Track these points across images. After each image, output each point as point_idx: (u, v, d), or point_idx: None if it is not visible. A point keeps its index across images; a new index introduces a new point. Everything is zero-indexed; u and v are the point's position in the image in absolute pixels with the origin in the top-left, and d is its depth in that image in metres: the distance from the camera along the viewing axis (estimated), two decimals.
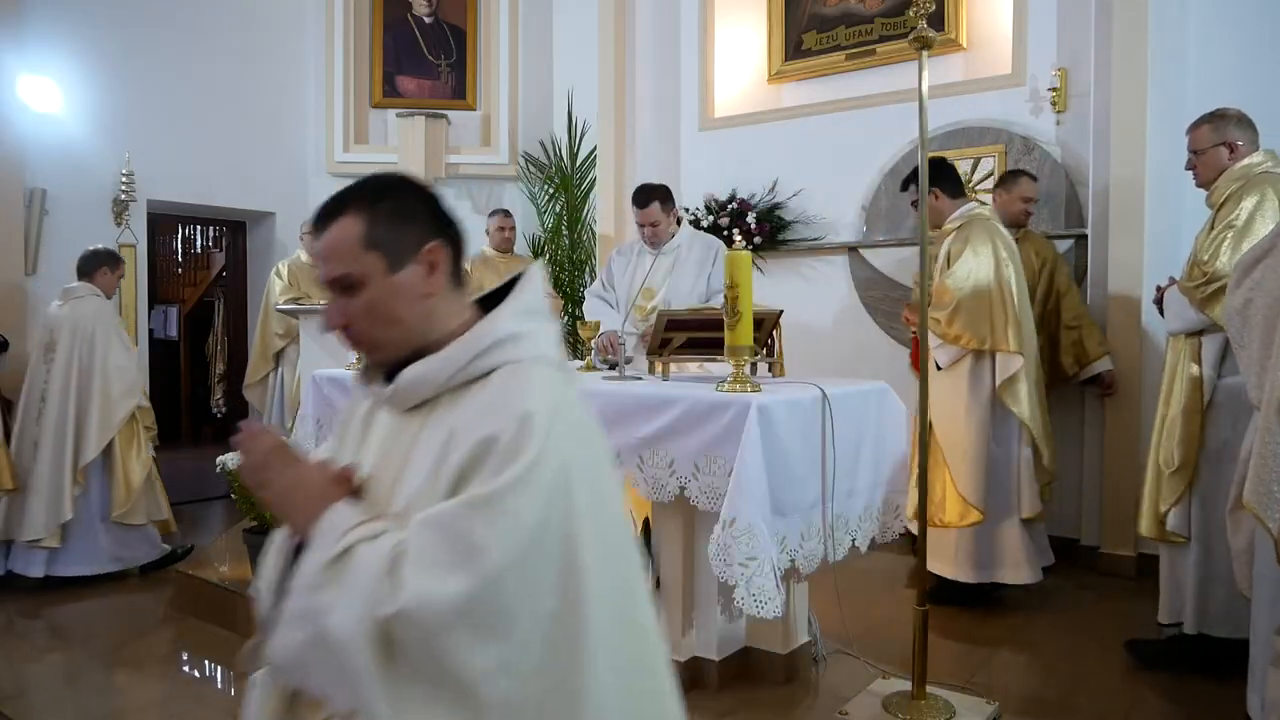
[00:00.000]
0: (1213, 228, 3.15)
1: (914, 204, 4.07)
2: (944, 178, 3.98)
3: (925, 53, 2.70)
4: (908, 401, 3.19)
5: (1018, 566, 3.79)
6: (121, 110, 6.24)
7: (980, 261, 3.74)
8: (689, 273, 4.28)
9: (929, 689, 2.76)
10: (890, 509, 3.17)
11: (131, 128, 6.27)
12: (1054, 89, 4.75)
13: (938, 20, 4.97)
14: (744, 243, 2.84)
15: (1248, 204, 3.05)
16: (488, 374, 1.27)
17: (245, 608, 3.96)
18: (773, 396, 2.70)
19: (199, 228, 7.33)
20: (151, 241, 6.72)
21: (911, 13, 2.75)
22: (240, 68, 6.97)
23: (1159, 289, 3.33)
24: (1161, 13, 4.34)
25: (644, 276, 4.34)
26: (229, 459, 4.19)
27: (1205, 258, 3.08)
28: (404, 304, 1.30)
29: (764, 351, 3.29)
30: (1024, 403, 3.72)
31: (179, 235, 7.24)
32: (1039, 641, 3.56)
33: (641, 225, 4.30)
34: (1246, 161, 3.15)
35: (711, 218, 5.88)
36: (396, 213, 1.31)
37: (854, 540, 3.02)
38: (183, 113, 6.59)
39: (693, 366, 3.93)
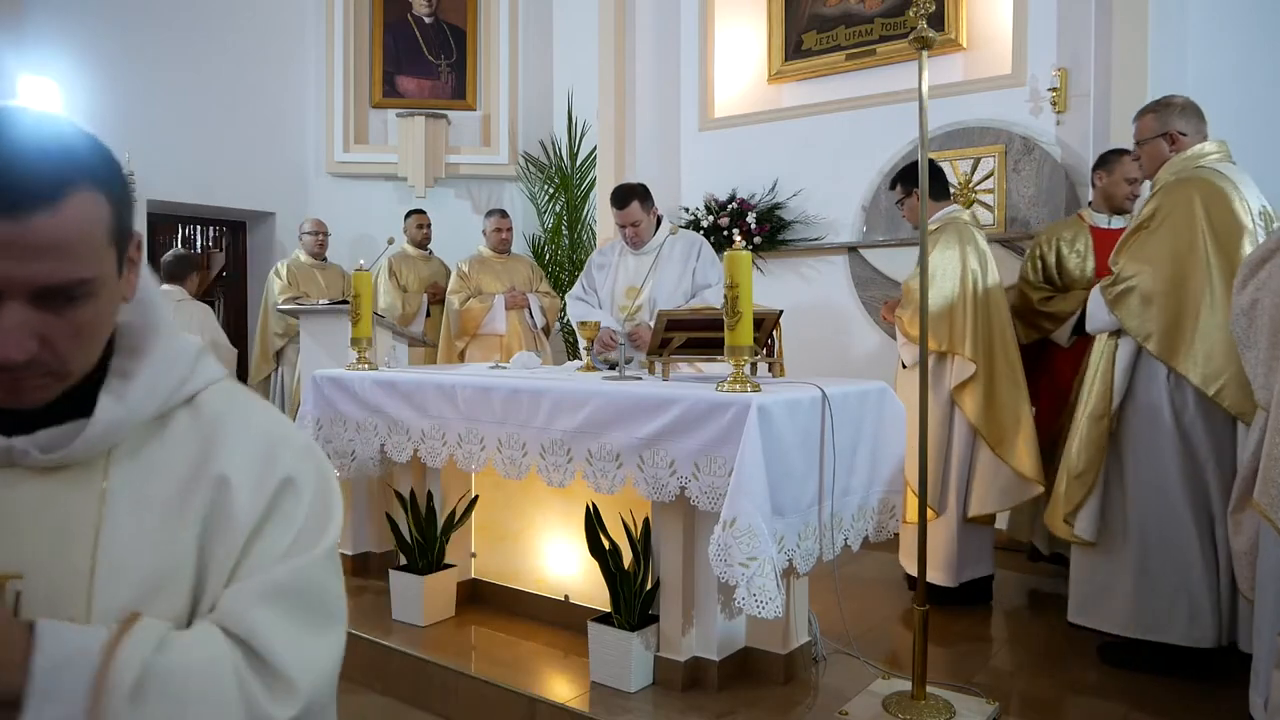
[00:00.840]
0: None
1: (899, 204, 4.13)
2: (929, 178, 3.90)
3: (925, 53, 2.70)
4: (911, 402, 3.19)
5: (936, 568, 3.78)
6: (121, 110, 6.24)
7: (946, 265, 3.71)
8: (673, 271, 4.27)
9: (929, 689, 2.76)
10: (887, 509, 3.17)
11: (131, 128, 6.26)
12: (1054, 89, 4.75)
13: (938, 20, 4.97)
14: (744, 243, 2.83)
15: (1157, 201, 3.03)
16: (189, 400, 1.02)
17: None
18: (773, 396, 2.70)
19: (199, 227, 7.32)
20: (152, 241, 6.71)
21: (911, 13, 2.75)
22: (240, 67, 6.97)
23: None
24: (1161, 13, 4.34)
25: (627, 277, 4.34)
26: None
27: (1114, 257, 3.08)
28: (112, 318, 0.96)
29: (764, 352, 3.29)
30: (975, 406, 3.68)
31: (179, 235, 7.22)
32: (1039, 642, 3.56)
33: (622, 226, 4.30)
34: (1187, 154, 3.06)
35: (711, 218, 5.88)
36: (127, 190, 0.95)
37: (846, 539, 3.02)
38: (183, 113, 6.59)
39: (682, 367, 3.93)
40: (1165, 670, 3.10)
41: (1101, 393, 3.12)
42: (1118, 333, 3.12)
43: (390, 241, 5.00)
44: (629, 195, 4.24)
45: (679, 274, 4.26)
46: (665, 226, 4.39)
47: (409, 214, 6.64)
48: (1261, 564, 2.50)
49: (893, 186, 4.23)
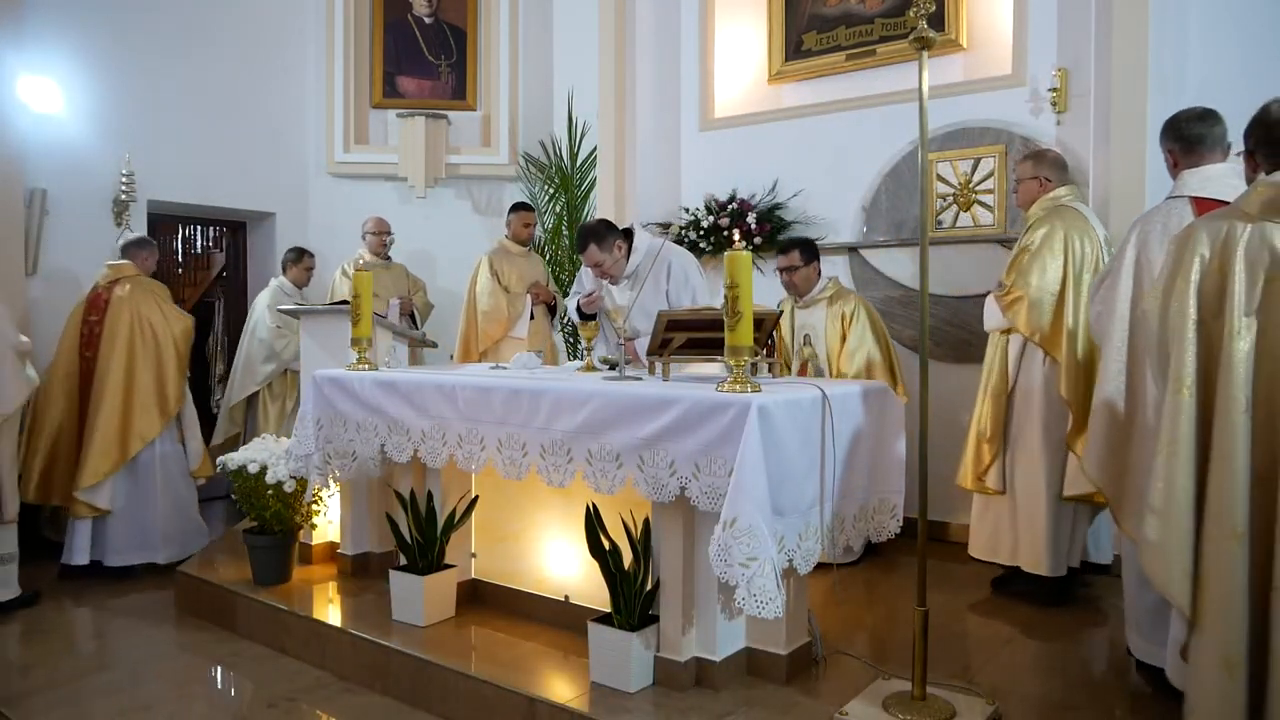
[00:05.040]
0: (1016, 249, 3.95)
1: (792, 269, 4.71)
2: (814, 253, 4.78)
3: (925, 53, 2.70)
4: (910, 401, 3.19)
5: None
6: (121, 110, 6.24)
7: (877, 328, 4.67)
8: (648, 298, 4.23)
9: (929, 689, 2.76)
10: (887, 509, 3.17)
11: (131, 128, 6.26)
12: (1054, 89, 4.75)
13: (938, 20, 4.97)
14: (744, 243, 2.84)
15: (1039, 234, 3.87)
16: None
17: (245, 608, 3.96)
18: (773, 396, 2.70)
19: (199, 228, 7.31)
20: None
21: (911, 13, 2.75)
22: (241, 68, 6.96)
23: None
24: (1162, 13, 4.34)
25: (611, 300, 4.35)
26: (229, 459, 4.20)
27: (1006, 274, 3.92)
28: None
29: (764, 352, 3.29)
30: None
31: (179, 235, 7.21)
32: (1040, 641, 3.56)
33: (590, 265, 4.27)
34: (1052, 194, 4.00)
35: (711, 218, 5.87)
36: None
37: (850, 541, 3.01)
38: (183, 113, 6.58)
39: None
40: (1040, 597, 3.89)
41: (1000, 375, 3.99)
42: (1009, 331, 3.96)
43: (390, 242, 5.00)
44: (584, 239, 4.17)
45: (653, 301, 4.21)
46: (641, 246, 4.30)
47: (514, 208, 6.40)
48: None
49: (786, 251, 4.74)
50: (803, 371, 4.76)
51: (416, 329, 6.38)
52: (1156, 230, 2.98)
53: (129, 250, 5.27)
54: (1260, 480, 2.12)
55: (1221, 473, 2.13)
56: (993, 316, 4.04)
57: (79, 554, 4.79)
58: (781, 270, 4.79)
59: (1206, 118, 3.07)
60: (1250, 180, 2.49)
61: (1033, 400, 3.91)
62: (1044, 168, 4.07)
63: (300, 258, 6.53)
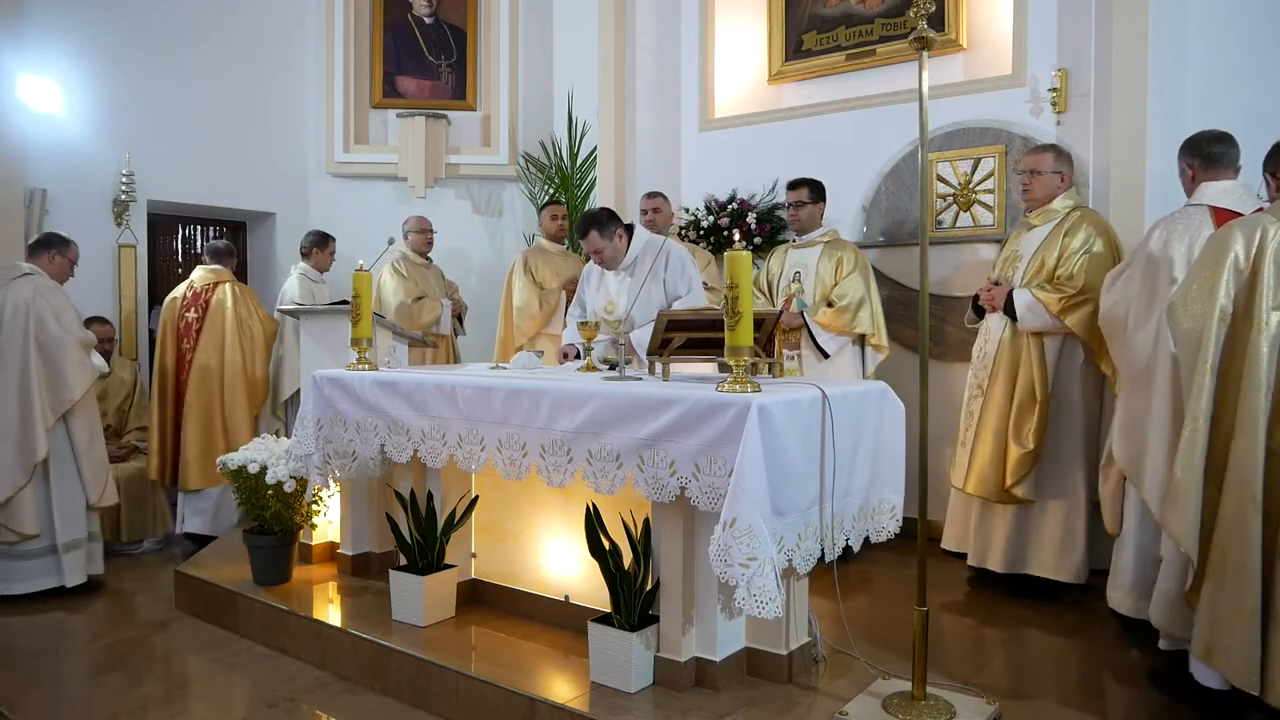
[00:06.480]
0: (1060, 249, 3.95)
1: (798, 204, 4.87)
2: (821, 195, 4.91)
3: (925, 53, 2.70)
4: (909, 400, 3.19)
5: None
6: (121, 110, 6.24)
7: (870, 278, 4.77)
8: (645, 287, 4.23)
9: (929, 689, 2.76)
10: (886, 509, 3.16)
11: (131, 128, 6.27)
12: (1054, 89, 4.75)
13: (938, 21, 4.97)
14: (744, 243, 2.83)
15: (1097, 239, 3.92)
16: None
17: (245, 608, 3.96)
18: (773, 397, 2.70)
19: (199, 228, 7.31)
20: (151, 241, 6.71)
21: (912, 13, 2.75)
22: (241, 68, 6.97)
23: (983, 291, 4.15)
24: (1161, 13, 4.34)
25: (607, 293, 4.35)
26: (229, 459, 4.20)
27: (1072, 275, 3.87)
28: None
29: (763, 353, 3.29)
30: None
31: (179, 235, 7.21)
32: (1040, 641, 3.56)
33: (590, 253, 4.28)
34: (1068, 193, 4.11)
35: (711, 218, 5.88)
36: None
37: (849, 540, 3.02)
38: (183, 113, 6.58)
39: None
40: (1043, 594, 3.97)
41: (1040, 381, 3.91)
42: (1038, 333, 3.93)
43: (390, 242, 4.98)
44: (586, 225, 4.18)
45: (650, 289, 4.22)
46: (638, 239, 4.31)
47: (544, 205, 6.37)
48: (1128, 498, 3.31)
49: (795, 187, 4.90)
50: (787, 304, 4.79)
51: (462, 331, 6.39)
52: (1178, 231, 3.23)
53: (221, 257, 5.86)
54: (1273, 455, 2.45)
55: (1243, 449, 2.47)
56: (1037, 317, 3.89)
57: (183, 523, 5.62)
58: (789, 205, 4.99)
59: (1224, 139, 3.32)
60: (1273, 199, 2.80)
61: (1072, 407, 3.92)
62: (1064, 163, 4.13)
63: (326, 242, 6.34)
